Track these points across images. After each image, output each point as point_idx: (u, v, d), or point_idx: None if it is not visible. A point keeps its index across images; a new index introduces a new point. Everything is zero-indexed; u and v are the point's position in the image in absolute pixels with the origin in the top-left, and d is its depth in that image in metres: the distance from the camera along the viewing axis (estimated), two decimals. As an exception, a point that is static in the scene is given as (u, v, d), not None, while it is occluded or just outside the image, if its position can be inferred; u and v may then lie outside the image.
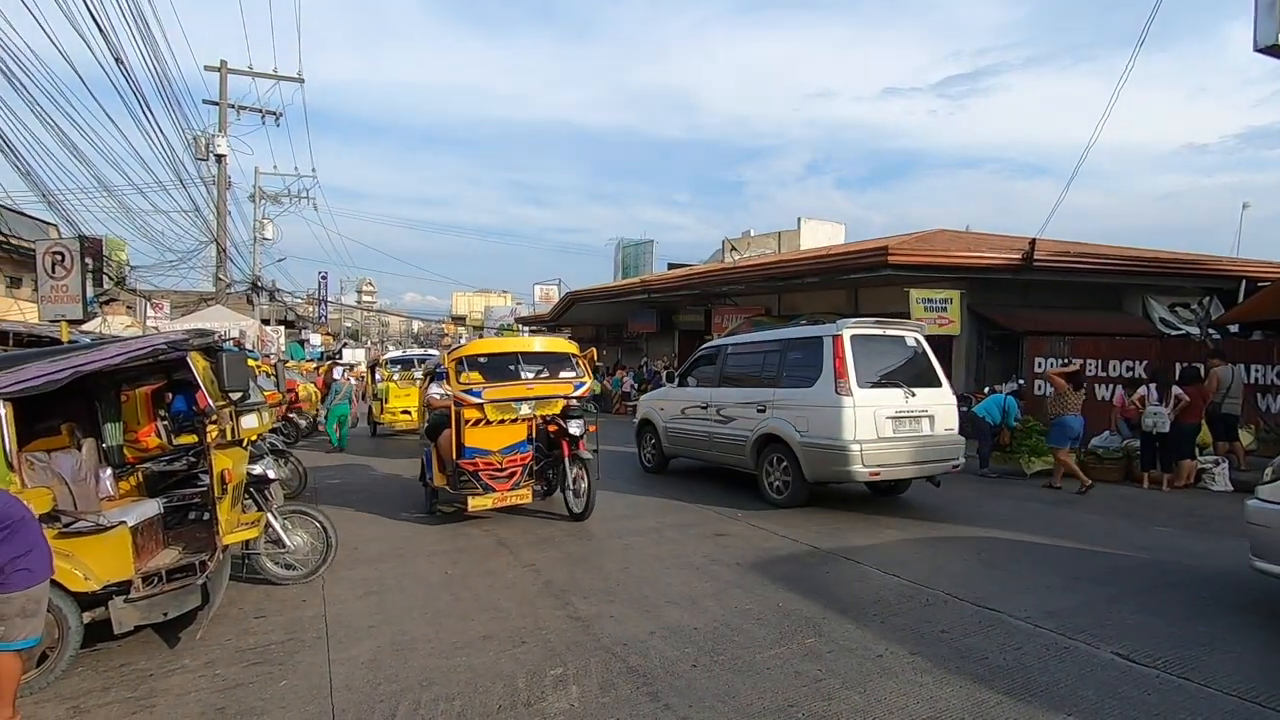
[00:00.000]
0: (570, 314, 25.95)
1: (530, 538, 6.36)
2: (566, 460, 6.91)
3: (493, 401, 6.39)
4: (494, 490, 6.53)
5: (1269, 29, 7.08)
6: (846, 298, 16.68)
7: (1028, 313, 13.50)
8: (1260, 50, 7.22)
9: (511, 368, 7.07)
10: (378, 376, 15.94)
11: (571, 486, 6.92)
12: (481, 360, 6.93)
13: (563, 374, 7.10)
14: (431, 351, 19.55)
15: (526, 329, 40.43)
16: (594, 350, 7.46)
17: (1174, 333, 13.41)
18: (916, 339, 7.60)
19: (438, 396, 7.08)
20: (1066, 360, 11.04)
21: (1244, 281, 13.60)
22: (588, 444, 7.08)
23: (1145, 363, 10.68)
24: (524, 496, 6.66)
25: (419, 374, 14.30)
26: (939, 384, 7.42)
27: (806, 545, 5.96)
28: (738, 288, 17.55)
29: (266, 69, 21.18)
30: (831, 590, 4.80)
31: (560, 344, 7.39)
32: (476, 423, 6.44)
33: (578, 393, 6.87)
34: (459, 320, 65.00)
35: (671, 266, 31.15)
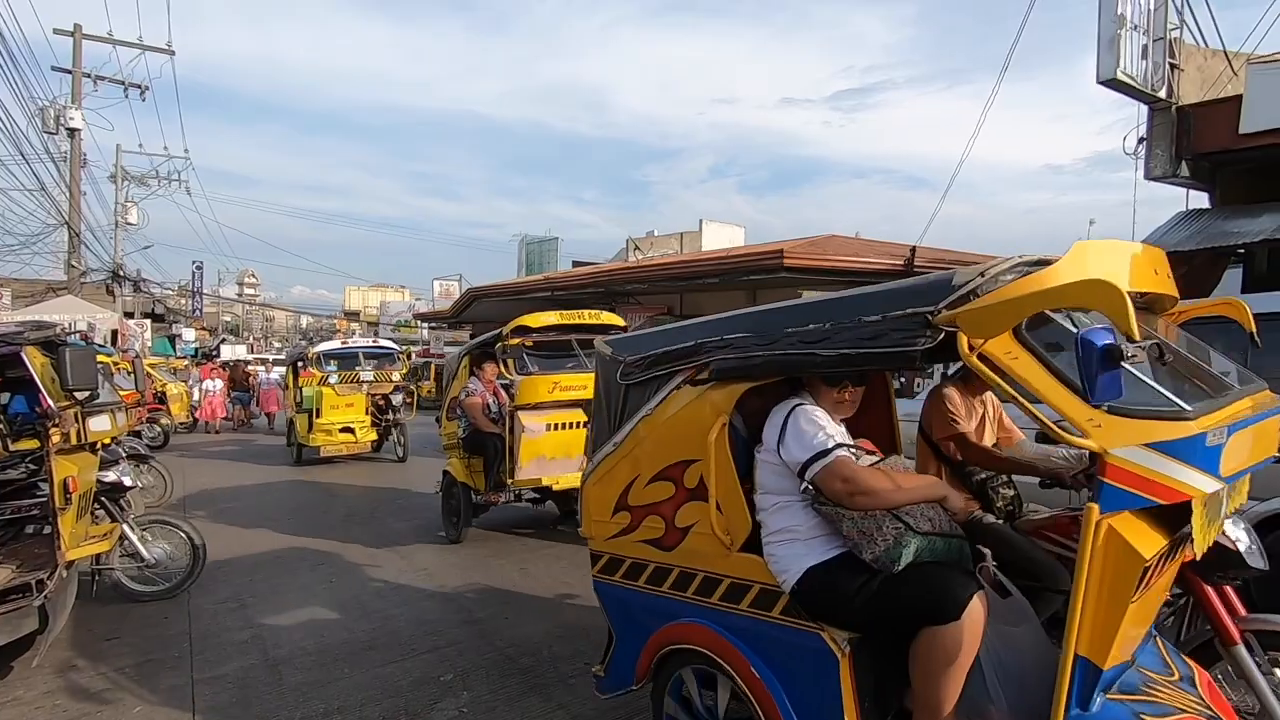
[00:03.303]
0: (471, 311, 25.28)
1: (423, 540, 6.14)
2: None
3: None
4: None
5: (1109, 64, 7.91)
6: (746, 298, 17.25)
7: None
8: (1101, 83, 8.07)
9: None
10: (299, 376, 11.30)
11: None
12: None
13: None
14: (387, 343, 13.19)
15: (426, 326, 39.00)
16: None
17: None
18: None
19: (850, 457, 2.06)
20: None
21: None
22: None
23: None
24: None
25: (368, 374, 10.78)
26: None
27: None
28: (641, 287, 17.75)
29: (131, 37, 19.29)
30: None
31: None
32: None
33: None
34: (352, 316, 61.87)
35: (576, 264, 31.04)
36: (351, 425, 10.59)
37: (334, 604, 4.62)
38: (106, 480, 4.53)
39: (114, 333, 16.78)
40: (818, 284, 13.47)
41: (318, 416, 10.43)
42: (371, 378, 10.85)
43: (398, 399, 10.96)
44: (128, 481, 4.68)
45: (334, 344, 12.54)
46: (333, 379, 10.60)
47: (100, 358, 4.69)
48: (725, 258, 15.97)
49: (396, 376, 11.10)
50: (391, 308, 51.30)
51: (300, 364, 11.54)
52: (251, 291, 67.49)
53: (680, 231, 31.64)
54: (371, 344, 12.63)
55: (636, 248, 29.47)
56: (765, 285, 15.60)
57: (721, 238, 29.52)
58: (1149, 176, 9.11)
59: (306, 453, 10.76)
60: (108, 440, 4.53)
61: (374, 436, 10.90)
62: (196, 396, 16.14)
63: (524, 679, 3.46)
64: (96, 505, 4.53)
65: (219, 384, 16.37)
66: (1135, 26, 8.07)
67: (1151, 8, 8.30)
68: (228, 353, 31.03)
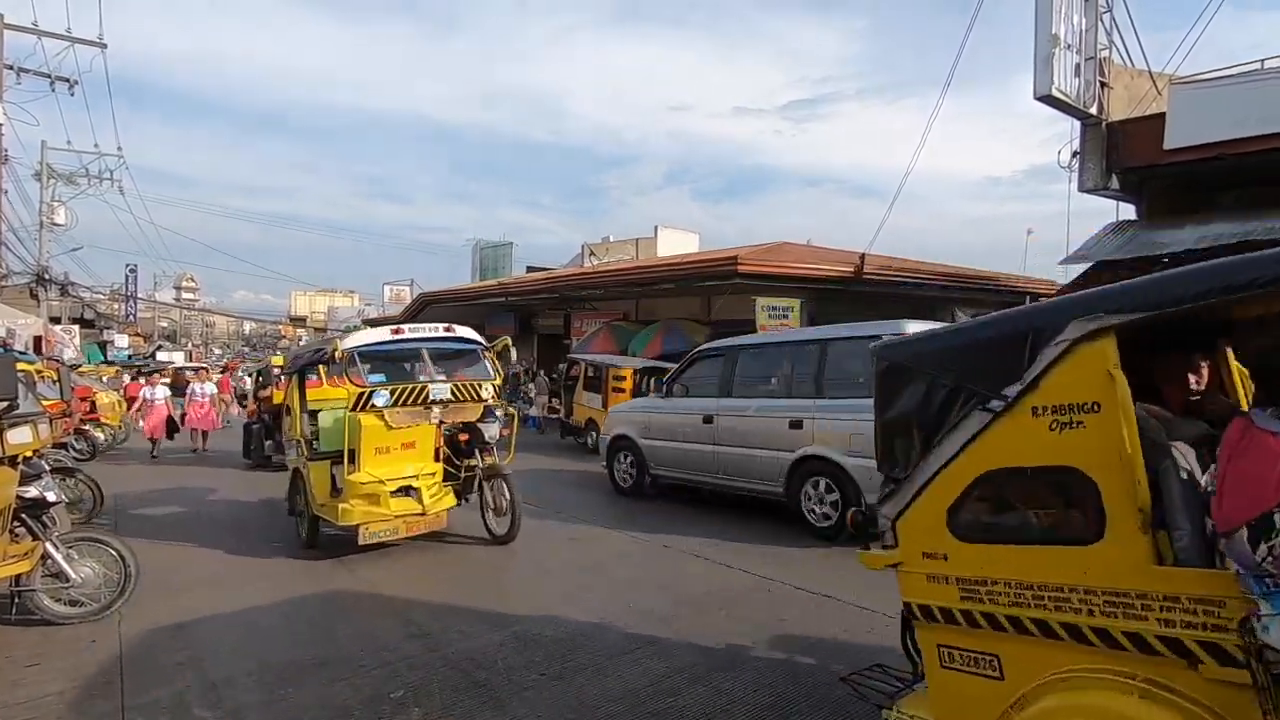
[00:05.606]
0: (423, 316, 24.86)
1: (368, 552, 5.96)
2: None
3: None
4: None
5: (1044, 81, 8.28)
6: (700, 304, 17.38)
7: (859, 321, 14.81)
8: (1038, 99, 8.43)
9: None
10: (306, 391, 6.79)
11: None
12: None
13: None
14: (465, 332, 6.48)
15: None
16: None
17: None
18: None
19: None
20: None
21: (1028, 297, 15.85)
22: None
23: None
24: None
25: (441, 387, 5.83)
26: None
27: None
28: (596, 292, 17.74)
29: (58, 28, 18.36)
30: (680, 586, 4.93)
31: None
32: None
33: None
34: (298, 321, 60.01)
35: (531, 269, 30.82)
36: (414, 483, 5.80)
37: (277, 621, 4.44)
38: (27, 496, 4.26)
39: (37, 339, 15.88)
40: (771, 290, 13.68)
41: (355, 464, 5.61)
42: (448, 394, 5.88)
43: (492, 430, 6.31)
44: (51, 497, 4.40)
45: (378, 334, 6.25)
46: (380, 399, 5.57)
47: (21, 365, 4.42)
48: (681, 264, 16.09)
49: (488, 391, 6.19)
50: (340, 313, 50.06)
51: (308, 370, 6.83)
52: (190, 296, 64.84)
53: (636, 237, 31.71)
54: (443, 332, 6.39)
55: (592, 253, 29.44)
56: (720, 291, 15.79)
57: (676, 243, 29.71)
58: (1082, 189, 9.54)
59: (325, 529, 6.01)
60: (29, 453, 4.27)
61: (452, 502, 6.16)
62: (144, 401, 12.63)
63: (479, 693, 3.38)
64: (16, 522, 4.26)
65: (164, 390, 13.17)
66: (1068, 46, 8.46)
67: (1083, 28, 8.72)
68: (164, 359, 29.67)
